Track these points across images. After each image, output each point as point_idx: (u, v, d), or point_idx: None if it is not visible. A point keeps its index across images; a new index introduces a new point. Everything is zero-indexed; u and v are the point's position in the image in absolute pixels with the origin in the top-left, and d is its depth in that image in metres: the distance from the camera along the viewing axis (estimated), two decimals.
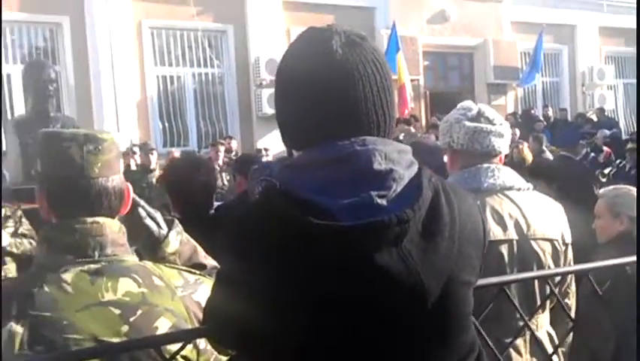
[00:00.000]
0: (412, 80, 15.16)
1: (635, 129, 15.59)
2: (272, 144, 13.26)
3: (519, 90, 17.64)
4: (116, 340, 1.58)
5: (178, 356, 1.59)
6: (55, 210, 1.69)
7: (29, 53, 12.48)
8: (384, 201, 1.28)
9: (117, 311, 1.59)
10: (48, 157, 1.69)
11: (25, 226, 6.09)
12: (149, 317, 1.62)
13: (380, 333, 1.29)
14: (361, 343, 1.29)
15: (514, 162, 8.78)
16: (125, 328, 1.59)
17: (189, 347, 1.62)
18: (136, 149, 10.63)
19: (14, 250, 5.94)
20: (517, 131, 13.13)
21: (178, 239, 1.90)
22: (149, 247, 1.88)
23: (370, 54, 1.40)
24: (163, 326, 1.63)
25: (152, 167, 8.53)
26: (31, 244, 6.04)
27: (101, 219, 1.67)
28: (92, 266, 1.62)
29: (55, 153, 1.67)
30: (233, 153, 11.79)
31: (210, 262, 1.93)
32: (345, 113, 1.36)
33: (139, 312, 1.60)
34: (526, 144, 9.89)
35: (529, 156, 9.22)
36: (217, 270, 1.50)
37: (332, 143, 1.33)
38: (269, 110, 13.92)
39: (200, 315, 1.68)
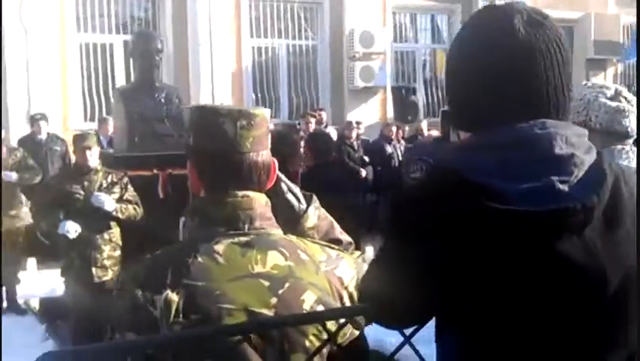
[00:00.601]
0: None
1: None
2: (363, 117, 13.21)
3: (619, 66, 16.95)
4: (265, 311, 1.61)
5: (316, 331, 1.59)
6: (205, 184, 1.73)
7: (130, 23, 12.80)
8: (565, 187, 1.24)
9: (266, 283, 1.62)
10: (201, 131, 1.73)
11: (130, 193, 6.28)
12: (296, 290, 1.64)
13: (554, 322, 1.25)
14: (534, 330, 1.25)
15: None
16: (273, 300, 1.61)
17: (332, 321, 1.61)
18: None
19: (120, 215, 6.15)
20: None
21: (316, 214, 1.91)
22: (290, 221, 1.88)
23: (553, 34, 1.35)
24: (308, 299, 1.65)
25: None
26: (135, 210, 6.24)
27: (250, 193, 1.69)
28: (242, 239, 1.65)
29: (209, 127, 1.71)
30: (324, 125, 11.79)
31: (345, 237, 1.93)
32: (526, 94, 1.32)
33: (286, 285, 1.63)
34: None
35: None
36: (380, 248, 1.48)
37: (511, 125, 1.29)
38: (361, 83, 13.88)
39: (342, 290, 1.69)
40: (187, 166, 1.78)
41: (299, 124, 9.02)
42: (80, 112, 12.31)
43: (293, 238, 1.74)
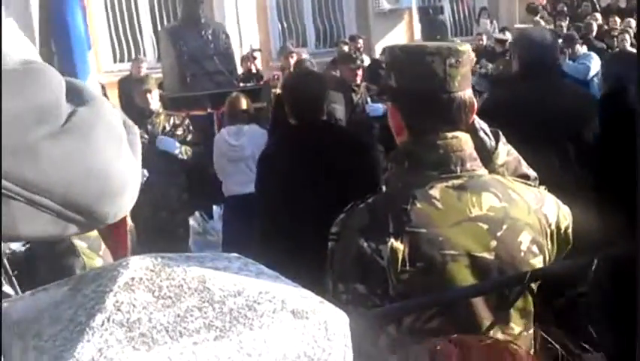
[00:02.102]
0: None
1: None
2: (390, 40, 12.96)
3: None
4: (486, 255, 1.60)
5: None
6: (411, 126, 1.68)
7: None
8: None
9: (485, 226, 1.60)
10: (409, 72, 1.67)
11: (193, 134, 6.23)
12: (513, 231, 1.63)
13: None
14: None
15: None
16: (493, 243, 1.61)
17: None
18: (256, 54, 10.60)
19: (184, 157, 6.10)
20: None
21: (505, 150, 1.87)
22: (482, 160, 1.86)
23: None
24: (525, 240, 1.64)
25: (291, 69, 8.54)
26: (198, 151, 6.17)
27: (459, 134, 1.66)
28: (456, 181, 1.62)
29: (416, 67, 1.64)
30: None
31: (531, 172, 1.90)
32: None
33: (504, 227, 1.62)
34: None
35: None
36: None
37: None
38: (386, 5, 13.60)
39: (547, 228, 1.67)
40: (387, 108, 1.74)
41: (354, 53, 8.83)
42: (108, 53, 12.16)
43: (499, 177, 1.72)
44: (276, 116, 4.71)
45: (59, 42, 4.42)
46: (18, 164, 0.70)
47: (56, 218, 0.75)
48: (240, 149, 5.76)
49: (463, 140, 1.65)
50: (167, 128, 6.02)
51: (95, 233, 1.24)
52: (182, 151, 6.05)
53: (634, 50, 9.51)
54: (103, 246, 1.27)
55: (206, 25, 7.00)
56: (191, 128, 6.19)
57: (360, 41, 11.54)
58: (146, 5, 12.41)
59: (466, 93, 1.67)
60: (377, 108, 6.98)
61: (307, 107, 3.50)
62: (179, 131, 6.08)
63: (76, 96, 0.79)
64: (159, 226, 5.93)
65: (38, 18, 4.47)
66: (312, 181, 3.23)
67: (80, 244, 1.23)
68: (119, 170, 0.80)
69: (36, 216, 0.73)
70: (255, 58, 10.44)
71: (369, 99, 7.40)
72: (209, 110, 6.70)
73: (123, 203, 0.82)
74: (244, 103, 5.90)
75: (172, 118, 6.12)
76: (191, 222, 6.80)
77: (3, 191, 0.70)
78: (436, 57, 1.63)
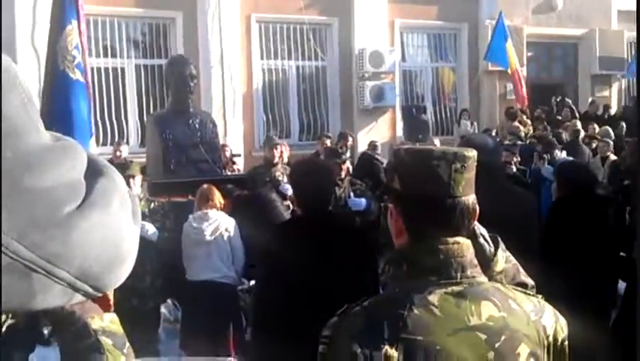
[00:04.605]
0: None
1: None
2: (372, 137, 13.17)
3: (623, 81, 17.04)
4: None
5: None
6: (412, 229, 1.65)
7: (142, 47, 12.76)
8: None
9: (483, 336, 1.56)
10: (414, 175, 1.65)
11: (171, 220, 6.18)
12: (512, 342, 1.59)
13: None
14: None
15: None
16: (490, 354, 1.56)
17: None
18: (236, 159, 10.86)
19: (159, 244, 6.04)
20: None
21: (504, 257, 1.83)
22: (481, 266, 1.82)
23: None
24: (523, 352, 1.60)
25: (274, 161, 8.57)
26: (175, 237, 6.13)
27: (460, 239, 1.63)
28: (455, 288, 1.58)
29: (422, 170, 1.62)
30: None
31: (529, 280, 1.86)
32: None
33: (503, 337, 1.58)
34: None
35: None
36: None
37: None
38: (370, 102, 13.88)
39: (545, 340, 1.63)
40: (389, 210, 1.71)
41: (340, 148, 8.94)
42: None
43: (500, 285, 1.68)
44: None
45: (61, 128, 4.43)
46: (48, 238, 0.71)
47: (67, 288, 0.75)
48: (200, 232, 5.73)
49: (464, 246, 1.62)
50: (147, 213, 5.97)
51: (121, 330, 1.20)
52: (158, 237, 5.99)
53: (615, 157, 9.73)
54: (127, 344, 1.22)
55: (193, 115, 7.05)
56: (170, 214, 6.15)
57: (350, 138, 11.71)
58: (133, 91, 12.55)
59: (470, 198, 1.66)
60: (359, 203, 7.01)
61: (314, 197, 3.49)
62: (158, 217, 6.04)
63: (92, 166, 0.81)
64: (130, 312, 5.77)
65: (40, 105, 4.49)
66: (313, 273, 3.19)
67: (105, 341, 1.19)
68: (127, 238, 0.81)
69: (51, 287, 0.73)
70: (234, 163, 10.57)
71: (352, 193, 7.43)
72: (190, 197, 6.65)
73: (125, 271, 0.83)
74: (216, 193, 5.91)
75: (152, 203, 6.08)
76: (163, 309, 6.69)
77: (28, 264, 0.70)
78: (442, 161, 1.62)
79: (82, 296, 0.78)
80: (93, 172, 0.80)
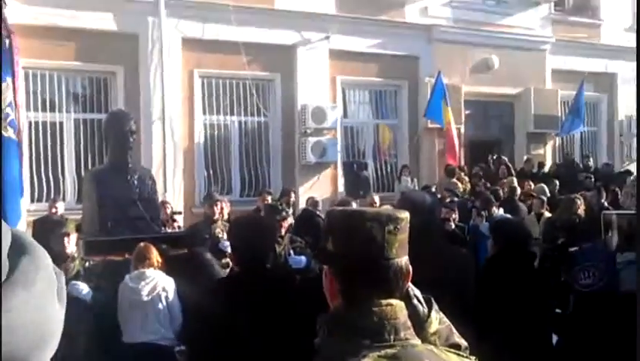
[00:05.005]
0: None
1: None
2: (314, 192, 13.19)
3: (557, 139, 17.57)
4: None
5: None
6: (345, 291, 1.65)
7: (82, 101, 12.62)
8: None
9: None
10: (346, 236, 1.65)
11: (107, 280, 6.05)
12: None
13: None
14: None
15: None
16: None
17: None
18: (176, 217, 10.77)
19: (94, 304, 5.88)
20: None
21: (437, 318, 1.84)
22: (414, 328, 1.81)
23: None
24: None
25: (215, 217, 8.50)
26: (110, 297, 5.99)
27: (394, 302, 1.63)
28: (389, 351, 1.57)
29: (355, 232, 1.62)
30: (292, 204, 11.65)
31: (462, 341, 1.86)
32: None
33: None
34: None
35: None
36: None
37: None
38: (312, 158, 13.95)
39: None
40: (324, 272, 1.70)
41: (281, 205, 8.94)
42: (26, 192, 11.86)
43: (433, 347, 1.67)
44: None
45: None
46: None
47: None
48: (137, 292, 5.61)
49: (397, 307, 1.62)
50: (82, 272, 5.81)
51: None
52: (93, 297, 5.82)
53: (549, 214, 9.95)
54: None
55: (132, 171, 6.94)
56: (105, 273, 6.00)
57: (292, 195, 11.70)
58: (71, 145, 12.35)
59: (403, 260, 1.66)
60: (299, 260, 6.98)
61: (252, 255, 3.45)
62: (93, 277, 5.88)
63: (17, 243, 0.79)
64: None
65: None
66: (248, 332, 3.13)
67: None
68: (53, 319, 0.79)
69: None
70: (174, 220, 10.45)
71: (292, 251, 7.40)
72: (126, 256, 6.50)
73: (50, 352, 0.80)
74: (153, 252, 5.81)
75: (87, 262, 5.92)
76: None
77: None
78: (374, 223, 1.62)
79: None
80: (17, 251, 0.78)
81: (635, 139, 18.05)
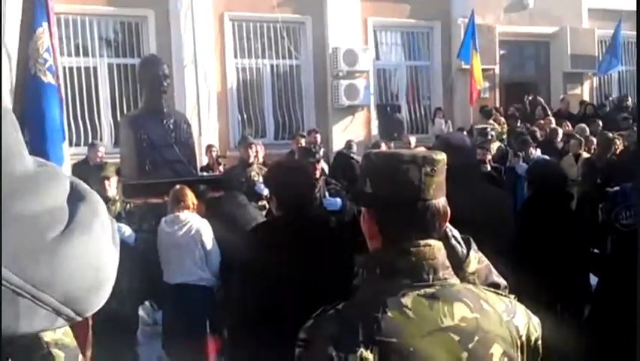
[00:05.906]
0: (487, 70, 14.98)
1: None
2: (348, 136, 13.18)
3: (594, 79, 17.24)
4: None
5: None
6: (384, 232, 1.67)
7: (115, 46, 12.66)
8: None
9: (456, 338, 1.58)
10: (383, 178, 1.66)
11: (148, 222, 6.13)
12: (485, 343, 1.61)
13: None
14: None
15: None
16: (464, 355, 1.58)
17: None
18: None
19: (136, 245, 5.98)
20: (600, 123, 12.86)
21: (476, 258, 1.85)
22: (453, 268, 1.84)
23: None
24: (497, 352, 1.62)
25: (250, 161, 8.54)
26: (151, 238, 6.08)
27: (432, 242, 1.65)
28: (428, 290, 1.60)
29: (392, 174, 1.64)
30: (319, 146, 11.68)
31: (501, 280, 1.88)
32: None
33: (476, 338, 1.60)
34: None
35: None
36: None
37: None
38: (345, 101, 13.89)
39: (518, 340, 1.65)
40: (362, 214, 1.72)
41: (314, 147, 8.98)
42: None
43: (472, 287, 1.70)
44: None
45: (34, 132, 4.37)
46: (34, 264, 0.72)
47: (51, 312, 0.76)
48: (172, 235, 5.70)
49: (435, 248, 1.64)
50: (123, 215, 5.91)
51: (74, 343, 1.20)
52: (135, 239, 5.94)
53: (587, 155, 9.84)
54: (80, 357, 1.22)
55: (167, 115, 7.00)
56: (146, 216, 6.10)
57: (318, 136, 11.70)
58: (106, 90, 12.45)
59: (440, 201, 1.67)
60: (334, 202, 7.01)
61: (295, 201, 3.48)
62: (134, 219, 5.98)
63: (74, 191, 0.82)
64: (108, 316, 5.73)
65: (12, 107, 4.43)
66: (294, 273, 3.18)
67: (57, 353, 1.18)
68: (108, 262, 0.82)
69: (35, 312, 0.74)
70: (219, 164, 10.51)
71: (327, 193, 7.43)
72: (165, 199, 6.60)
73: (105, 294, 0.83)
74: (188, 194, 5.87)
75: (128, 205, 6.02)
76: (141, 312, 6.62)
77: (15, 289, 0.71)
78: (412, 165, 1.63)
79: (64, 321, 0.79)
80: (75, 197, 0.81)
81: None
